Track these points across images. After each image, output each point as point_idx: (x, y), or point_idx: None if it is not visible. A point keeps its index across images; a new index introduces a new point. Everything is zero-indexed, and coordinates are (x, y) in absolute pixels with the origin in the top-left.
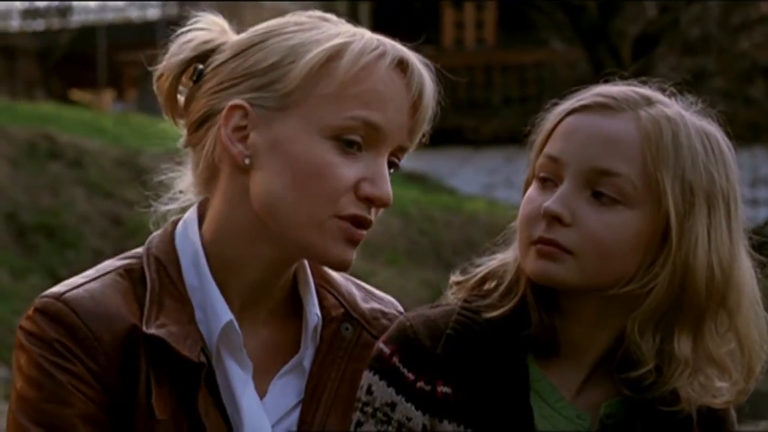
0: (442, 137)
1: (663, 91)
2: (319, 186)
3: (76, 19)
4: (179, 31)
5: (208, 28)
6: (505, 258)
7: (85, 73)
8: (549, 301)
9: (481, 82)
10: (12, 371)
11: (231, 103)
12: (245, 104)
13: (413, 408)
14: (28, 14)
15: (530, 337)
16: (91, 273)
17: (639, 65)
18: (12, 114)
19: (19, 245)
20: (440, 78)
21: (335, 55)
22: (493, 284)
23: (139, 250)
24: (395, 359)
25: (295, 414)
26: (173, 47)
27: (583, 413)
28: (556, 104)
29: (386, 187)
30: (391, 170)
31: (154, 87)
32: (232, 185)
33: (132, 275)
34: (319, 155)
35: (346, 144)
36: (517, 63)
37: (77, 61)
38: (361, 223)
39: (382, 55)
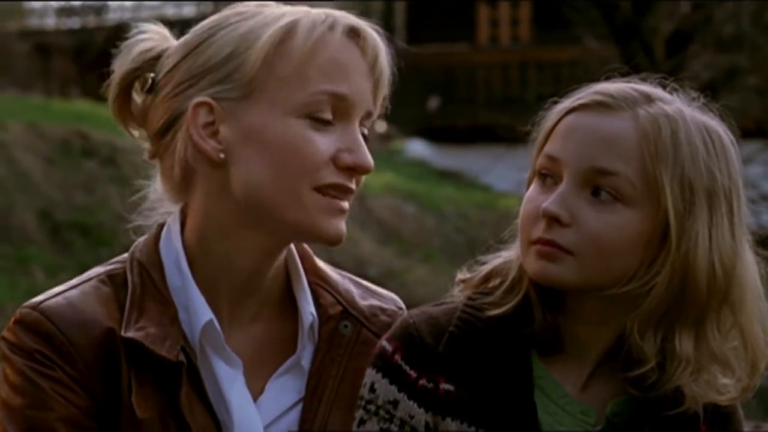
0: (477, 135)
1: (664, 87)
2: (297, 163)
3: (111, 17)
4: (123, 45)
5: (148, 37)
6: (508, 255)
7: None
8: (552, 299)
9: (516, 79)
10: None
11: (195, 101)
12: (209, 100)
13: (416, 406)
14: (64, 12)
15: (533, 335)
16: (74, 281)
17: (672, 63)
18: (47, 112)
19: (54, 243)
20: (475, 75)
21: (287, 34)
22: (497, 282)
23: (125, 255)
24: (398, 357)
25: (294, 413)
26: (115, 62)
27: (587, 409)
28: (556, 102)
29: (365, 154)
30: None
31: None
32: (210, 182)
33: (115, 280)
34: (293, 134)
35: (318, 120)
36: (553, 60)
37: (113, 59)
38: (343, 191)
39: (333, 25)
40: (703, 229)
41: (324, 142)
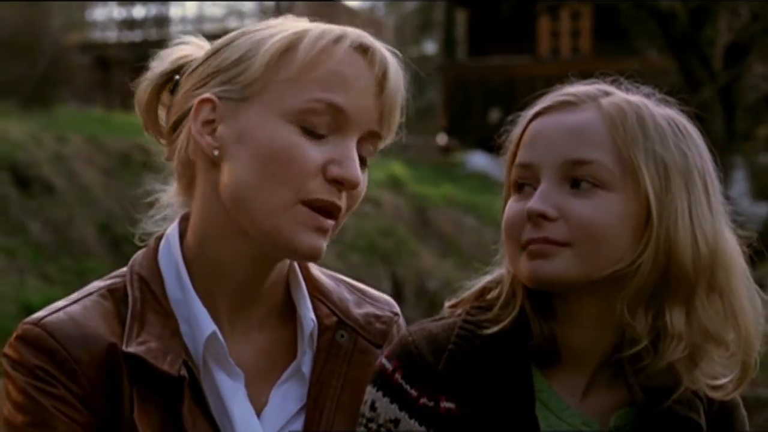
0: None
1: (620, 85)
2: (283, 169)
3: (173, 30)
4: (161, 51)
5: (186, 46)
6: (498, 273)
7: None
8: (546, 308)
9: None
10: None
11: (200, 97)
12: (213, 97)
13: (417, 424)
14: (126, 25)
15: (532, 348)
16: (74, 296)
17: (730, 74)
18: (107, 125)
19: (113, 256)
20: (536, 87)
21: (294, 42)
22: (492, 296)
23: (125, 269)
24: (398, 375)
25: (298, 422)
26: (153, 63)
27: (589, 420)
28: (518, 115)
29: (354, 169)
30: (367, 160)
31: (136, 106)
32: (206, 183)
33: (115, 295)
34: (282, 138)
35: (311, 127)
36: (614, 72)
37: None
38: (330, 210)
39: (341, 37)
40: (681, 205)
41: (314, 151)
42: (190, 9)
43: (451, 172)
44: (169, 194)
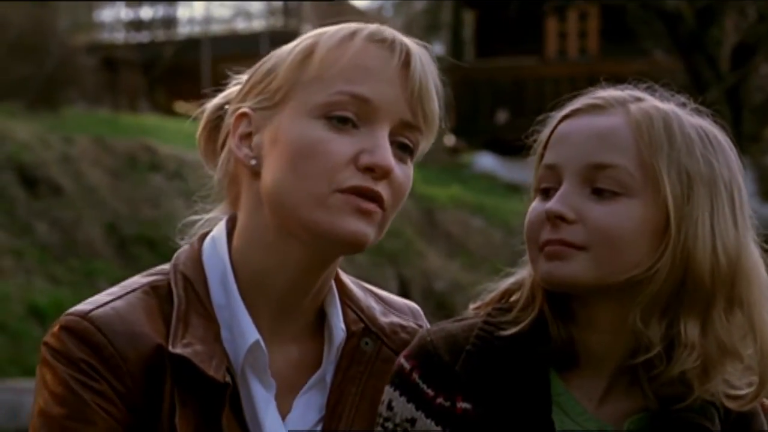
0: None
1: (653, 91)
2: (314, 163)
3: (181, 31)
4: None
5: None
6: (520, 275)
7: (189, 85)
8: (565, 312)
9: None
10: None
11: (237, 113)
12: (248, 110)
13: (433, 424)
14: (133, 26)
15: (551, 351)
16: (116, 290)
17: (737, 75)
18: (114, 126)
19: (120, 256)
20: (544, 88)
21: (314, 42)
22: (514, 298)
23: (166, 266)
24: (415, 375)
25: (319, 429)
26: (207, 104)
27: (605, 426)
28: (548, 117)
29: (385, 155)
30: (408, 154)
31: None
32: (250, 194)
33: (158, 292)
34: (310, 134)
35: (338, 120)
36: (621, 73)
37: (182, 72)
38: (366, 194)
39: (357, 30)
40: (703, 215)
41: (343, 143)
42: (198, 10)
43: (458, 173)
44: (215, 212)
